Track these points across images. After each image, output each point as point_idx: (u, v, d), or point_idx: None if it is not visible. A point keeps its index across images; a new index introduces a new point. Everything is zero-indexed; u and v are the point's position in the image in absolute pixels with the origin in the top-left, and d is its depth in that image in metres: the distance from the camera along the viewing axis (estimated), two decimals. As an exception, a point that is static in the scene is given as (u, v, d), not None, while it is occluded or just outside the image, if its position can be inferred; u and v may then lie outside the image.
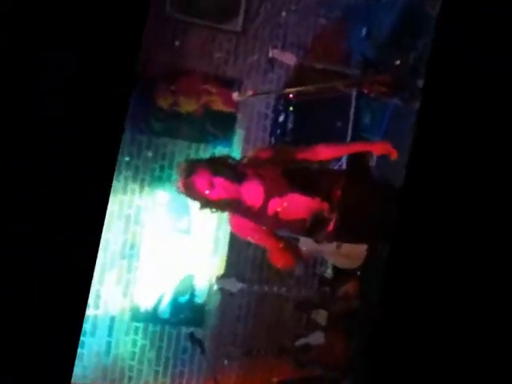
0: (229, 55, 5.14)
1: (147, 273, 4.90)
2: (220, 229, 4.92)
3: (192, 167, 2.79)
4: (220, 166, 2.78)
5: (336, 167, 3.38)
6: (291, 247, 3.07)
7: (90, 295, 2.45)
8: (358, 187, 3.05)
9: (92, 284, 2.41)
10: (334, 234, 3.04)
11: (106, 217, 2.39)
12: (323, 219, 2.93)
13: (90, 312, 4.72)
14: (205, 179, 2.75)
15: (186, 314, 4.95)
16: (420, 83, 4.41)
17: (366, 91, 4.47)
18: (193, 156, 4.82)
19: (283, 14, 5.15)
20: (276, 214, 2.87)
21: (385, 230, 2.99)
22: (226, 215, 2.90)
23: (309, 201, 2.89)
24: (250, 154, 2.98)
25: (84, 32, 2.29)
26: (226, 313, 4.99)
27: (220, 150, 4.88)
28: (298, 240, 3.42)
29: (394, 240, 2.55)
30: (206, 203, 2.80)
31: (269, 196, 2.84)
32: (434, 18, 3.99)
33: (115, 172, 2.43)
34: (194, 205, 2.85)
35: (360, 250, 4.13)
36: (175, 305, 4.92)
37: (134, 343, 4.95)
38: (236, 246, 4.81)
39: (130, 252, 4.91)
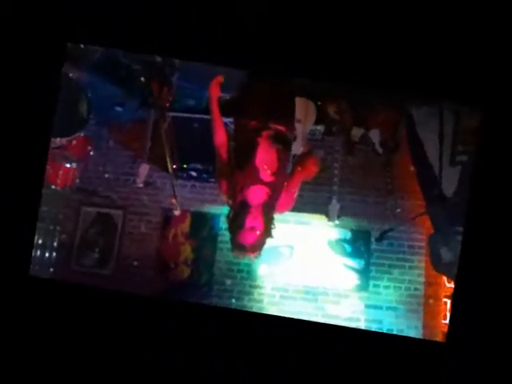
0: (136, 229, 5.29)
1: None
2: (288, 220, 4.94)
3: (237, 246, 2.90)
4: (235, 223, 2.90)
5: (230, 125, 3.46)
6: (301, 160, 3.19)
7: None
8: (255, 107, 3.17)
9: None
10: (289, 124, 3.24)
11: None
12: (275, 130, 3.07)
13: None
14: (246, 235, 2.88)
15: (360, 245, 4.98)
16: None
17: (168, 104, 4.55)
18: (226, 247, 4.86)
19: (106, 175, 5.30)
20: (273, 174, 2.97)
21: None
22: (274, 216, 2.96)
23: (262, 147, 3.02)
24: (225, 199, 3.06)
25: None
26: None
27: (220, 227, 5.05)
28: (295, 155, 3.48)
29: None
30: (266, 233, 2.94)
31: (258, 181, 2.96)
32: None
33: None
34: (269, 241, 2.94)
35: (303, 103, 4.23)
36: (354, 252, 4.99)
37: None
38: (301, 205, 4.72)
39: (313, 292, 5.02)
